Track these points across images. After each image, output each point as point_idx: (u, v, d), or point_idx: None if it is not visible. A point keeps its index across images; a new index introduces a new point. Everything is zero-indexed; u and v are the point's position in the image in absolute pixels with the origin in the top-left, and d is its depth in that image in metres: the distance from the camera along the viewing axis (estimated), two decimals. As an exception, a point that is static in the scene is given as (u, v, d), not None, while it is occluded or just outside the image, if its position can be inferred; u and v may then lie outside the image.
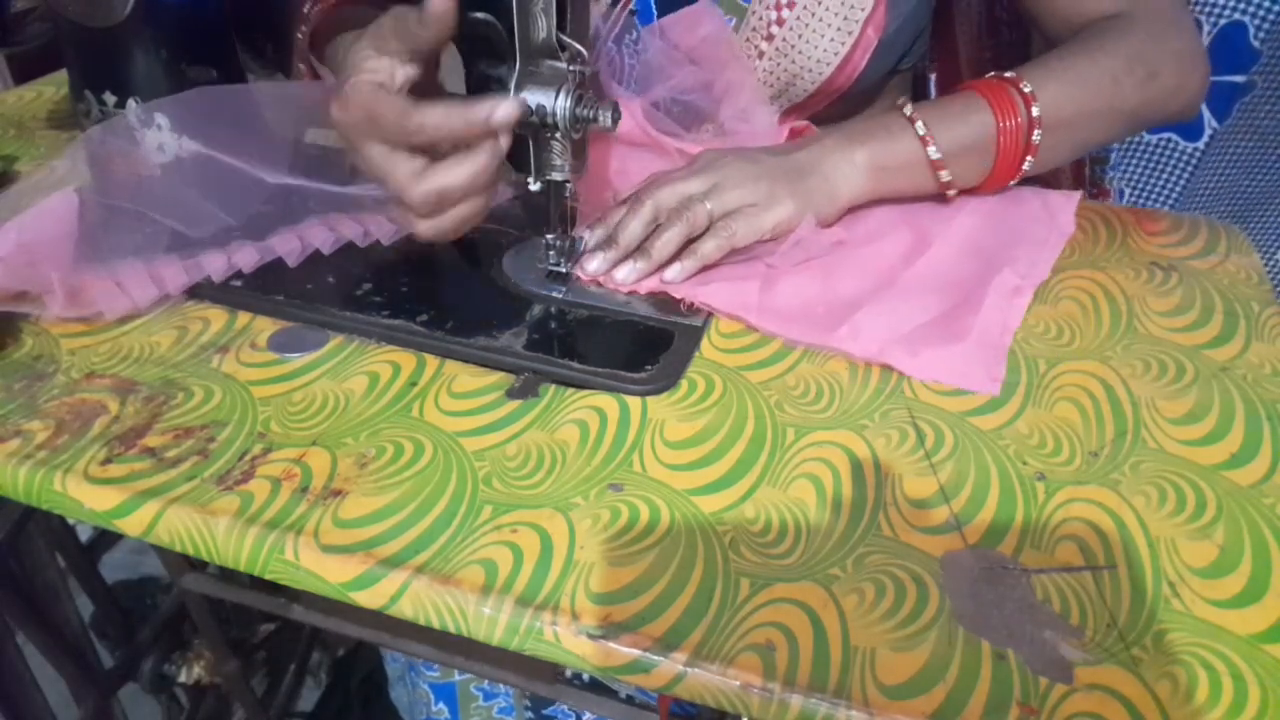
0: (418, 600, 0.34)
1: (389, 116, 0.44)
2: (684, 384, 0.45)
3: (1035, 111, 0.53)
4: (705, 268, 0.51)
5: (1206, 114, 0.79)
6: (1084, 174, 0.75)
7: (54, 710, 0.79)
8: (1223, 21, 0.75)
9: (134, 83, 0.61)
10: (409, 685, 0.84)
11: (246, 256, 0.51)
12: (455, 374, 0.45)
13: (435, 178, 0.45)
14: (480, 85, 0.46)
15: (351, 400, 0.43)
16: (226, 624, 0.97)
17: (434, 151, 0.46)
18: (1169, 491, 0.39)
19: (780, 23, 0.59)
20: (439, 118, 0.44)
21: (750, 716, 0.31)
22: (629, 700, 0.70)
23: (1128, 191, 0.85)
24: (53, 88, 0.79)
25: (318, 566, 0.35)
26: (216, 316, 0.49)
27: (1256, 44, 0.74)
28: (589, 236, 0.53)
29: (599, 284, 0.52)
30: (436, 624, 0.34)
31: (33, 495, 0.38)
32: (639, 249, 0.51)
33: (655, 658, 0.32)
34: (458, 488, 0.38)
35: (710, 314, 0.50)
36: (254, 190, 0.55)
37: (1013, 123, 0.53)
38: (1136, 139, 0.84)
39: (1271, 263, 0.86)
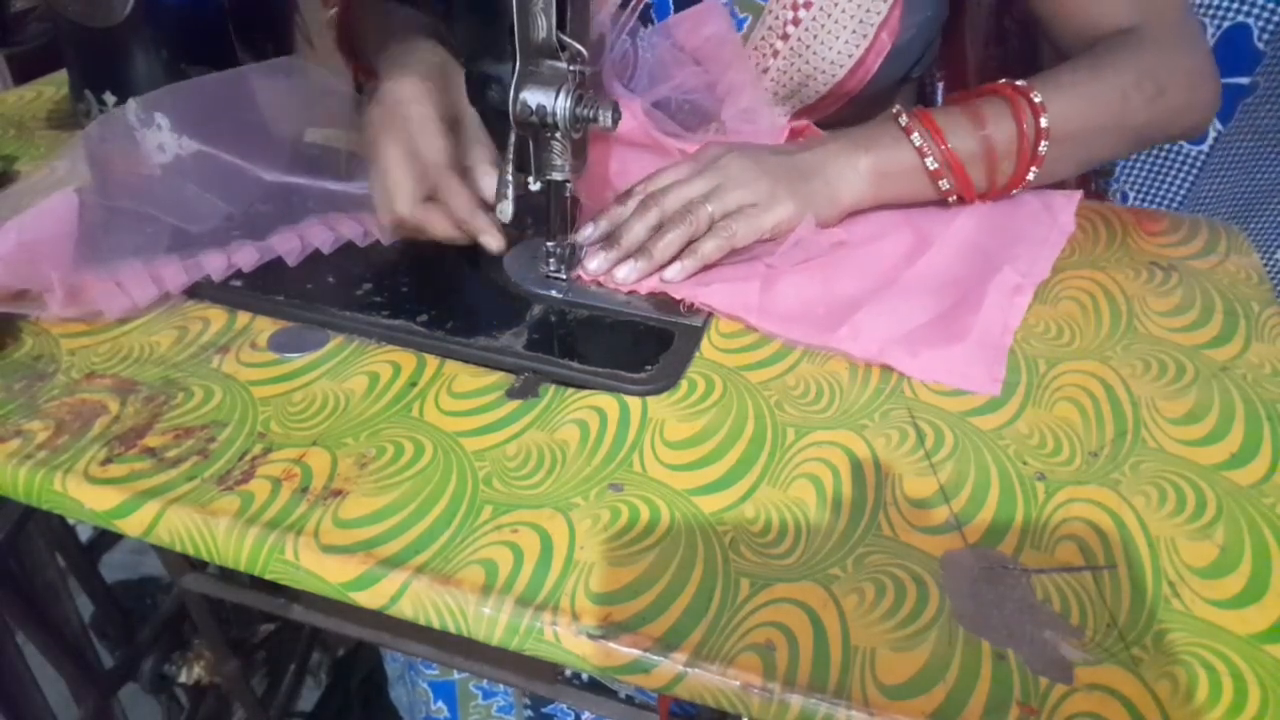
0: (418, 600, 0.34)
1: (430, 155, 0.51)
2: (684, 384, 0.45)
3: (1044, 123, 0.53)
4: (705, 268, 0.51)
5: (1213, 118, 0.79)
6: (1089, 186, 0.75)
7: (54, 710, 0.79)
8: (1226, 24, 0.75)
9: (134, 83, 0.61)
10: (408, 684, 0.84)
11: (246, 256, 0.51)
12: (455, 374, 0.45)
13: (422, 219, 0.50)
14: (480, 85, 0.47)
15: (351, 400, 0.43)
16: (226, 624, 0.97)
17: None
18: (1169, 491, 0.39)
19: (796, 23, 0.59)
20: (439, 221, 0.50)
21: (750, 716, 0.31)
22: (628, 700, 0.70)
23: (1132, 195, 0.85)
24: (53, 88, 0.79)
25: (318, 566, 0.35)
26: (216, 316, 0.49)
27: (1260, 45, 0.74)
28: (589, 231, 0.53)
29: (599, 284, 0.52)
30: (436, 624, 0.34)
31: (33, 495, 0.38)
32: (640, 249, 0.51)
33: (655, 658, 0.32)
34: (458, 488, 0.38)
35: (710, 314, 0.50)
36: (254, 184, 0.55)
37: (1020, 130, 0.53)
38: (1141, 142, 0.84)
39: (1271, 261, 0.86)
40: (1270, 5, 0.73)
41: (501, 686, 0.78)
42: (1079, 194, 0.58)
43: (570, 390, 0.44)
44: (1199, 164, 0.82)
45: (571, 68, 0.45)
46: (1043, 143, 0.53)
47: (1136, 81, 0.55)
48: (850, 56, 0.60)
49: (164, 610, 0.96)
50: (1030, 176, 0.55)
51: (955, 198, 0.55)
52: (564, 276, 0.51)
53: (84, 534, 1.07)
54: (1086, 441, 0.42)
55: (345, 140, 0.62)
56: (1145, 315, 0.51)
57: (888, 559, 0.35)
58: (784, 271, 0.51)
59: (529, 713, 0.79)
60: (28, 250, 0.45)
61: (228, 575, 0.79)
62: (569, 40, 0.44)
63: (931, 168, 0.54)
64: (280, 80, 0.57)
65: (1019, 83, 0.54)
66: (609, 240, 0.51)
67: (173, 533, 0.37)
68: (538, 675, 0.67)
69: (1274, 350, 0.48)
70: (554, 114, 0.45)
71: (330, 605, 0.62)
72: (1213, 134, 0.80)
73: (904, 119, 0.54)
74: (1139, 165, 0.84)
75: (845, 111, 0.65)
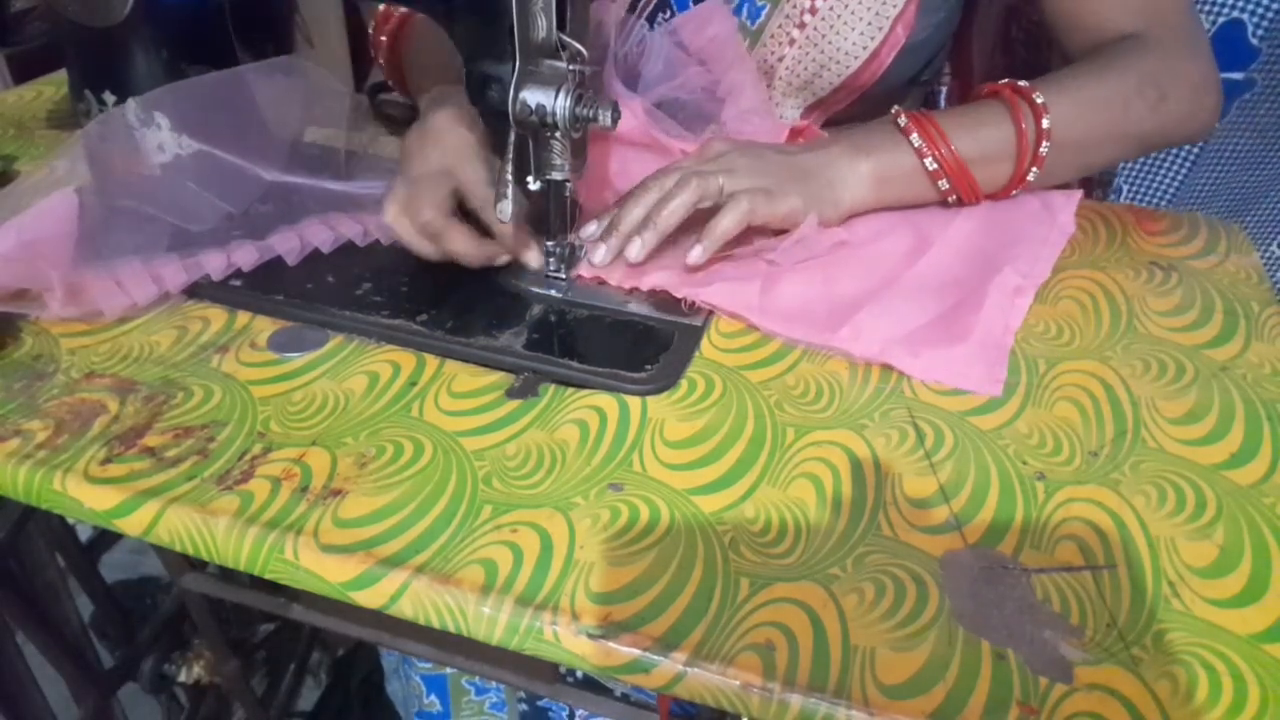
0: (418, 600, 0.34)
1: (472, 189, 0.51)
2: (684, 384, 0.45)
3: (1045, 123, 0.53)
4: (706, 266, 0.51)
5: (1206, 112, 0.79)
6: (1088, 195, 0.75)
7: (54, 710, 0.79)
8: (1221, 19, 0.75)
9: (134, 83, 0.61)
10: (403, 678, 0.84)
11: (246, 255, 0.51)
12: (455, 374, 0.45)
13: (444, 237, 0.50)
14: (480, 85, 0.46)
15: (351, 400, 0.43)
16: (226, 624, 0.97)
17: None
18: (1169, 491, 0.39)
19: (813, 11, 0.59)
20: (464, 252, 0.51)
21: (750, 716, 0.31)
22: (625, 699, 0.70)
23: (1125, 188, 0.85)
24: (53, 88, 0.79)
25: (318, 566, 0.35)
26: (216, 316, 0.49)
27: (1255, 41, 0.75)
28: (591, 229, 0.53)
29: (599, 283, 0.52)
30: (436, 624, 0.34)
31: (33, 495, 0.38)
32: (645, 222, 0.50)
33: (655, 657, 0.32)
34: (458, 487, 0.38)
35: (710, 314, 0.50)
36: (254, 184, 0.55)
37: (1020, 130, 0.53)
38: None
39: (1267, 254, 0.86)
40: (1265, 1, 0.73)
41: (494, 683, 0.78)
42: (1079, 194, 0.58)
43: (570, 390, 0.44)
44: (1193, 157, 0.82)
45: (571, 67, 0.45)
46: (1043, 144, 0.53)
47: (1139, 87, 0.55)
48: (865, 49, 0.60)
49: (164, 610, 0.96)
50: (1031, 177, 0.55)
51: (955, 198, 0.55)
52: (564, 276, 0.51)
53: (84, 534, 1.07)
54: (1086, 441, 0.42)
55: (345, 140, 0.62)
56: (1145, 315, 0.51)
57: (888, 559, 0.35)
58: (785, 271, 0.51)
59: (523, 707, 0.79)
60: (28, 250, 0.45)
61: (228, 575, 0.79)
62: (569, 40, 0.44)
63: (930, 168, 0.54)
64: (280, 80, 0.57)
65: (1021, 84, 0.54)
66: (609, 229, 0.51)
67: (172, 532, 0.37)
68: (537, 675, 0.67)
69: (1274, 350, 0.48)
70: (554, 114, 0.45)
71: (330, 605, 0.62)
72: (1208, 127, 0.80)
73: (902, 120, 0.54)
74: (1133, 157, 0.84)
75: (855, 109, 0.65)
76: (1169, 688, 0.31)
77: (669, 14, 0.63)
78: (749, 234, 0.52)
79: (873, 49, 0.60)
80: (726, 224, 0.49)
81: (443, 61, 0.63)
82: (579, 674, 0.69)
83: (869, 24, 0.59)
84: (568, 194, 0.49)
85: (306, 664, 1.13)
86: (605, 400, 0.44)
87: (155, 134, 0.53)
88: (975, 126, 0.54)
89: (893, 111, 0.55)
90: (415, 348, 0.47)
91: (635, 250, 0.49)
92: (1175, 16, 0.58)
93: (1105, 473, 0.40)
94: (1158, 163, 0.83)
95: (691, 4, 0.62)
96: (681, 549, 0.36)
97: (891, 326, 0.47)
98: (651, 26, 0.63)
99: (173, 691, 1.00)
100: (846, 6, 0.59)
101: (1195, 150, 0.81)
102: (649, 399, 0.44)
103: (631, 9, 0.63)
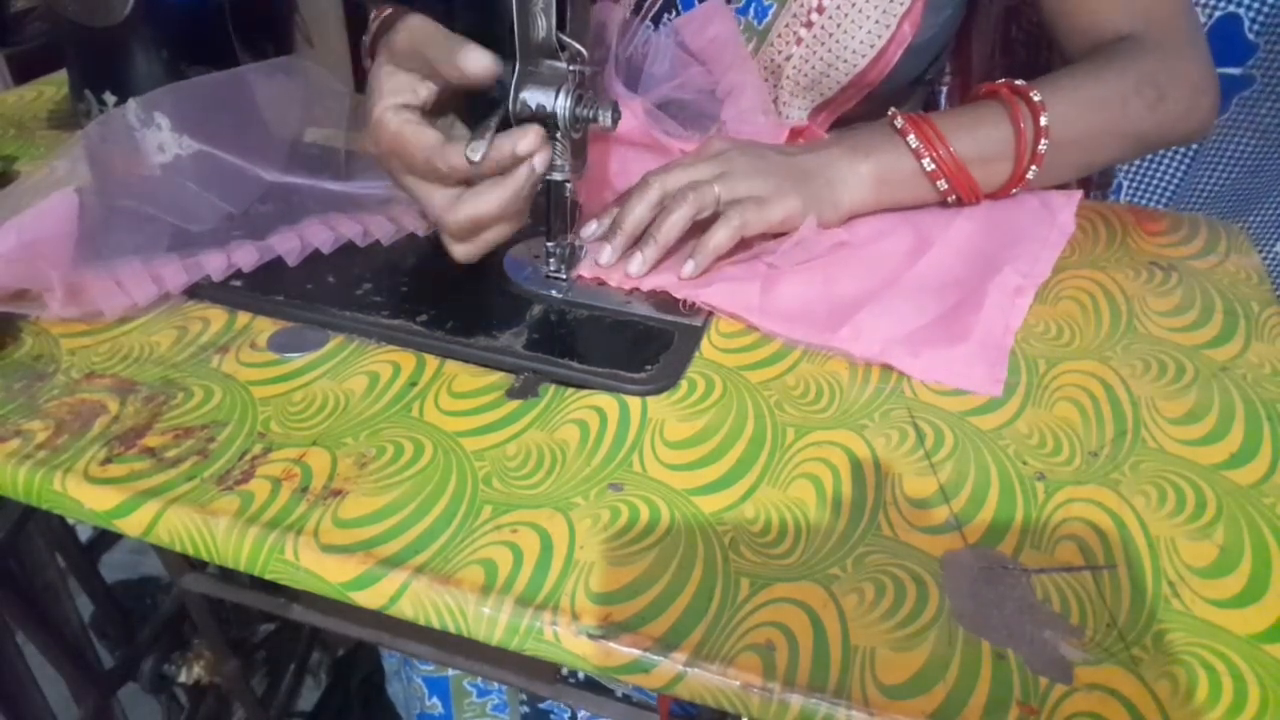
0: (418, 600, 0.34)
1: (418, 156, 0.46)
2: (684, 384, 0.45)
3: (1044, 121, 0.53)
4: (706, 267, 0.51)
5: (1205, 108, 0.79)
6: (1087, 196, 0.75)
7: (54, 710, 0.79)
8: (1218, 14, 0.75)
9: (134, 83, 0.61)
10: (404, 680, 0.84)
11: (246, 255, 0.51)
12: (455, 374, 0.45)
13: (468, 206, 0.46)
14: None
15: (351, 400, 0.43)
16: (226, 624, 0.97)
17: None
18: (1169, 491, 0.39)
19: (820, 10, 0.59)
20: (464, 160, 0.44)
21: (750, 716, 0.31)
22: (627, 699, 0.70)
23: (1126, 184, 0.85)
24: (53, 88, 0.79)
25: (318, 566, 0.35)
26: (216, 316, 0.49)
27: (1252, 36, 0.75)
28: (593, 228, 0.53)
29: (599, 284, 0.52)
30: (436, 624, 0.34)
31: (33, 495, 0.38)
32: (644, 236, 0.50)
33: (655, 658, 0.32)
34: (458, 488, 0.38)
35: (710, 314, 0.50)
36: (254, 184, 0.55)
37: (1019, 129, 0.53)
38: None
39: (1270, 254, 0.86)
40: (1261, -5, 0.73)
41: (495, 684, 0.78)
42: (1079, 194, 0.58)
43: (570, 390, 0.44)
44: (1192, 153, 0.82)
45: (571, 68, 0.45)
46: (1042, 141, 0.53)
47: (1137, 87, 0.55)
48: (872, 47, 0.60)
49: (164, 610, 0.96)
50: (1030, 176, 0.55)
51: (954, 198, 0.55)
52: (564, 276, 0.51)
53: (84, 534, 1.08)
54: (1086, 441, 0.42)
55: (345, 140, 0.62)
56: (1145, 315, 0.51)
57: (888, 559, 0.35)
58: (785, 272, 0.51)
59: (524, 709, 0.79)
60: (28, 250, 0.45)
61: (228, 575, 0.79)
62: (569, 40, 0.44)
63: (929, 169, 0.54)
64: (280, 80, 0.57)
65: (1018, 83, 0.54)
66: (612, 228, 0.51)
67: (172, 533, 0.37)
68: (537, 675, 0.67)
69: (1274, 350, 0.48)
70: (554, 114, 0.45)
71: (330, 605, 0.62)
72: (1206, 124, 0.80)
73: (899, 121, 0.54)
74: (1133, 151, 0.84)
75: (862, 109, 0.65)
76: (1169, 688, 0.31)
77: (674, 14, 0.63)
78: (749, 237, 0.52)
79: (880, 47, 0.60)
80: (719, 240, 0.50)
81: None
82: (580, 675, 0.69)
83: (876, 22, 0.59)
84: (568, 194, 0.49)
85: (306, 664, 1.14)
86: (605, 400, 0.44)
87: (155, 134, 0.53)
88: (973, 126, 0.54)
89: (890, 114, 0.55)
90: (415, 348, 0.47)
91: (636, 265, 0.50)
92: (1173, 17, 0.59)
93: (1105, 473, 0.40)
94: (1157, 161, 0.83)
95: (696, 3, 0.62)
96: (681, 549, 0.36)
97: (892, 326, 0.47)
98: (657, 26, 0.63)
99: (173, 691, 1.00)
100: (854, 5, 0.59)
101: (1194, 147, 0.81)
102: (649, 399, 0.44)
103: (636, 10, 0.63)
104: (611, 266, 0.51)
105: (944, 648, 0.32)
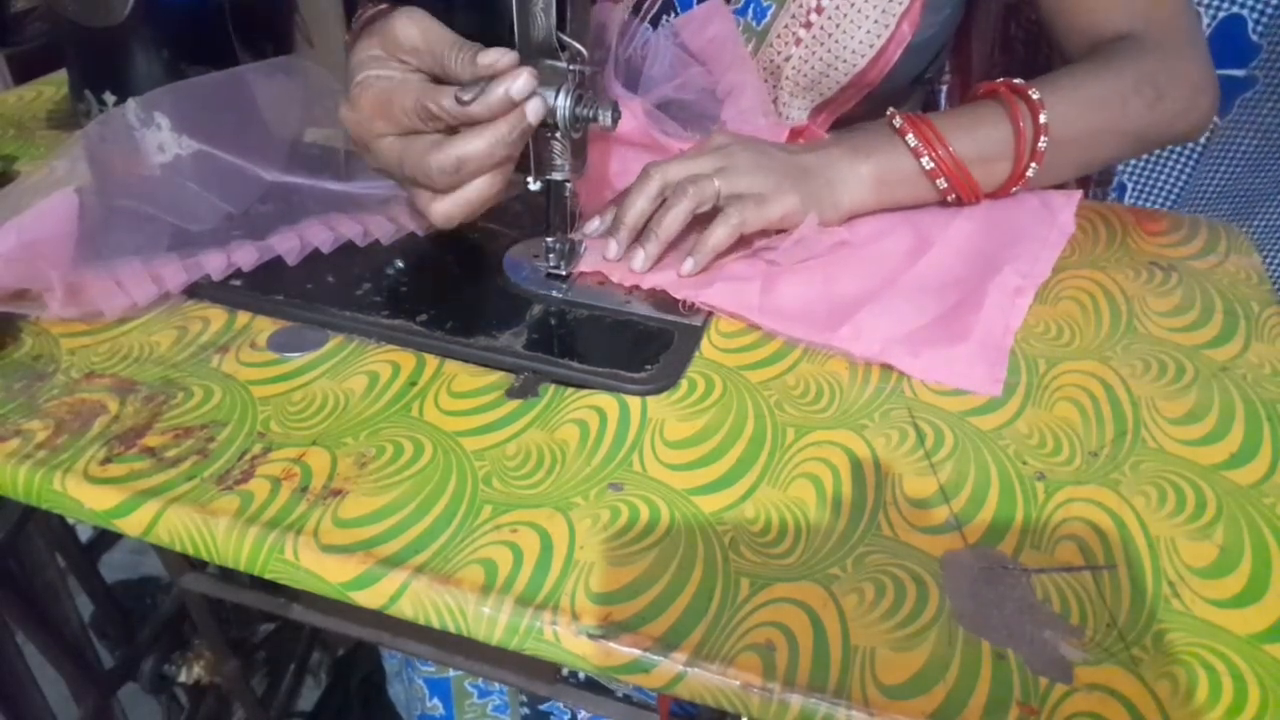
0: (417, 600, 0.34)
1: (406, 102, 0.44)
2: (684, 384, 0.45)
3: (1043, 119, 0.53)
4: (707, 266, 0.51)
5: (1209, 110, 0.79)
6: (1087, 195, 0.75)
7: (54, 710, 0.79)
8: (1221, 14, 0.75)
9: (134, 83, 0.61)
10: (405, 681, 0.84)
11: (246, 255, 0.51)
12: (455, 374, 0.45)
13: (456, 145, 0.44)
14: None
15: (351, 400, 0.43)
16: (226, 624, 0.97)
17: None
18: (1169, 491, 0.39)
19: (819, 10, 0.59)
20: (455, 101, 0.43)
21: (750, 716, 0.31)
22: (627, 700, 0.70)
23: (1130, 186, 0.85)
24: (53, 88, 0.79)
25: (318, 566, 0.35)
26: (216, 316, 0.49)
27: (1255, 38, 0.75)
28: (595, 224, 0.53)
29: (600, 283, 0.52)
30: (436, 624, 0.34)
31: (33, 495, 0.38)
32: (645, 230, 0.50)
33: (655, 658, 0.32)
34: (457, 487, 0.38)
35: (710, 314, 0.50)
36: (254, 184, 0.55)
37: (1018, 128, 0.53)
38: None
39: (1274, 259, 0.86)
40: (1265, -4, 0.73)
41: (497, 685, 0.78)
42: (1079, 194, 0.58)
43: (570, 390, 0.44)
44: (1196, 155, 0.82)
45: (571, 68, 0.45)
46: (1041, 138, 0.53)
47: (1136, 86, 0.55)
48: (872, 47, 0.60)
49: (164, 610, 0.96)
50: (1030, 174, 0.55)
51: (954, 197, 0.55)
52: (564, 276, 0.51)
53: (84, 534, 1.08)
54: (1086, 441, 0.42)
55: (345, 140, 0.62)
56: (1145, 315, 0.51)
57: (888, 559, 0.35)
58: (785, 271, 0.51)
59: (525, 710, 0.79)
60: (28, 250, 0.45)
61: (228, 575, 0.79)
62: (569, 40, 0.44)
63: (928, 168, 0.54)
64: (280, 80, 0.57)
65: (1017, 81, 0.54)
66: (614, 223, 0.51)
67: (172, 533, 0.37)
68: (537, 675, 0.67)
69: (1274, 350, 0.48)
70: (554, 114, 0.45)
71: (330, 605, 0.62)
72: (1210, 125, 0.80)
73: (898, 121, 0.54)
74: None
75: (862, 109, 0.65)
76: (1169, 688, 0.31)
77: (673, 14, 0.63)
78: (749, 235, 0.52)
79: (879, 47, 0.60)
80: (718, 238, 0.50)
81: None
82: (580, 675, 0.69)
83: (875, 22, 0.59)
84: (568, 194, 0.49)
85: (306, 664, 1.14)
86: (605, 400, 0.44)
87: (155, 134, 0.53)
88: (973, 126, 0.54)
89: (889, 114, 0.55)
90: (415, 348, 0.47)
91: (639, 261, 0.50)
92: (1172, 17, 0.59)
93: (1105, 473, 0.40)
94: (1161, 161, 0.83)
95: (695, 4, 0.62)
96: (681, 549, 0.36)
97: (892, 326, 0.47)
98: (655, 27, 0.63)
99: (173, 691, 1.00)
100: (853, 5, 0.59)
101: (1198, 148, 0.81)
102: (649, 399, 0.44)
103: (635, 10, 0.63)
104: (616, 262, 0.51)
105: (944, 648, 0.32)
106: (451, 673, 0.79)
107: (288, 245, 0.52)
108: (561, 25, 0.44)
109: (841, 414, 0.43)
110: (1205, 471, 0.40)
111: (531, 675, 0.67)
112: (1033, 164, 0.54)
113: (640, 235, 0.51)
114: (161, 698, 1.01)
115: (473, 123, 0.44)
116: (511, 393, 0.44)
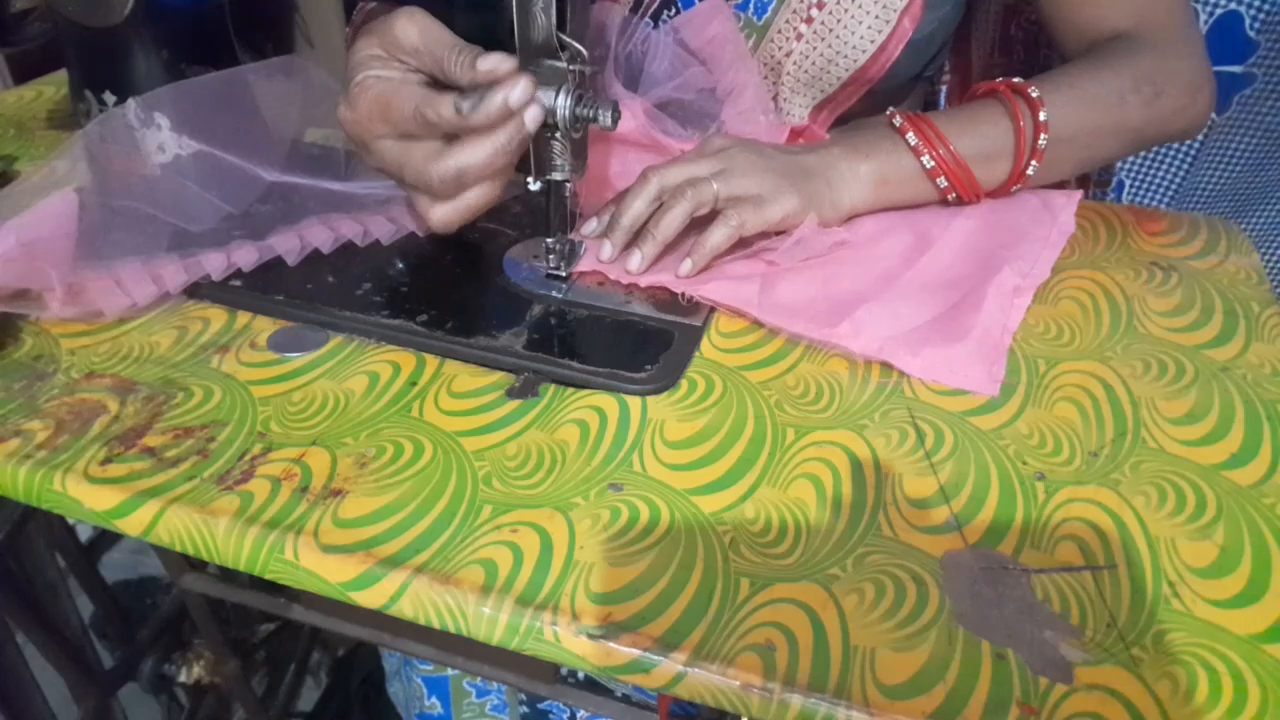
0: (418, 600, 0.34)
1: (405, 109, 0.44)
2: (684, 384, 0.45)
3: (1043, 117, 0.53)
4: (706, 266, 0.51)
5: (1206, 106, 0.79)
6: (1087, 194, 0.75)
7: (54, 710, 0.79)
8: (1219, 11, 0.75)
9: (134, 83, 0.61)
10: (404, 679, 0.84)
11: (246, 255, 0.51)
12: (455, 374, 0.45)
13: (455, 156, 0.44)
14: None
15: (351, 400, 0.43)
16: (226, 624, 0.97)
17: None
18: (1169, 491, 0.39)
19: (820, 6, 0.59)
20: (454, 110, 0.43)
21: (750, 716, 0.31)
22: (626, 699, 0.70)
23: (1128, 183, 0.85)
24: (53, 88, 0.79)
25: (318, 566, 0.35)
26: (216, 316, 0.49)
27: (1253, 34, 0.75)
28: (592, 225, 0.53)
29: (599, 283, 0.52)
30: (436, 624, 0.34)
31: (33, 495, 0.38)
32: (643, 232, 0.50)
33: (655, 658, 0.32)
34: (458, 488, 0.38)
35: (710, 314, 0.50)
36: (254, 184, 0.55)
37: (1018, 126, 0.53)
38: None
39: (1273, 257, 0.86)
40: (1262, -8, 0.73)
41: (495, 685, 0.78)
42: (1079, 194, 0.58)
43: (570, 390, 0.44)
44: (1194, 151, 0.82)
45: (571, 68, 0.45)
46: (1041, 136, 0.53)
47: (1134, 84, 0.55)
48: (873, 42, 0.60)
49: (164, 610, 0.96)
50: (1030, 172, 0.55)
51: (954, 196, 0.56)
52: (564, 276, 0.51)
53: (84, 534, 1.08)
54: (1086, 441, 0.42)
55: (345, 140, 0.62)
56: (1145, 315, 0.51)
57: (888, 559, 0.35)
58: (785, 270, 0.51)
59: (524, 709, 0.79)
60: (28, 250, 0.45)
61: (228, 575, 0.79)
62: (569, 40, 0.44)
63: (928, 166, 0.54)
64: (280, 80, 0.57)
65: (1016, 80, 0.55)
66: (611, 224, 0.51)
67: (172, 533, 0.37)
68: (537, 675, 0.67)
69: (1274, 350, 0.48)
70: (554, 114, 0.45)
71: (330, 605, 0.62)
72: (1207, 122, 0.80)
73: (897, 120, 0.54)
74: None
75: (863, 106, 0.65)
76: (1169, 688, 0.31)
77: (674, 11, 0.63)
78: (748, 236, 0.52)
79: (880, 42, 0.60)
80: (716, 240, 0.50)
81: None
82: (580, 674, 0.69)
83: (876, 17, 0.59)
84: (568, 194, 0.49)
85: (306, 664, 1.14)
86: (605, 400, 0.44)
87: (155, 134, 0.53)
88: (973, 125, 0.54)
89: (888, 113, 0.55)
90: (415, 348, 0.47)
91: (635, 262, 0.50)
92: (1169, 15, 0.59)
93: (1105, 473, 0.40)
94: (1159, 160, 0.84)
95: (696, 2, 0.62)
96: (681, 549, 0.36)
97: (891, 324, 0.47)
98: (656, 24, 0.63)
99: (173, 691, 1.00)
100: (854, 1, 0.59)
101: (1195, 146, 0.81)
102: (649, 399, 0.44)
103: (635, 8, 0.63)
104: (611, 263, 0.51)
105: (944, 648, 0.32)
106: (450, 671, 0.79)
107: (288, 245, 0.52)
108: (561, 25, 0.44)
109: (841, 414, 0.43)
110: (1205, 471, 0.40)
111: (531, 675, 0.67)
112: (1033, 162, 0.54)
113: (637, 236, 0.51)
114: (161, 698, 1.01)
115: (471, 130, 0.44)
116: (511, 393, 0.44)
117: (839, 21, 0.60)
